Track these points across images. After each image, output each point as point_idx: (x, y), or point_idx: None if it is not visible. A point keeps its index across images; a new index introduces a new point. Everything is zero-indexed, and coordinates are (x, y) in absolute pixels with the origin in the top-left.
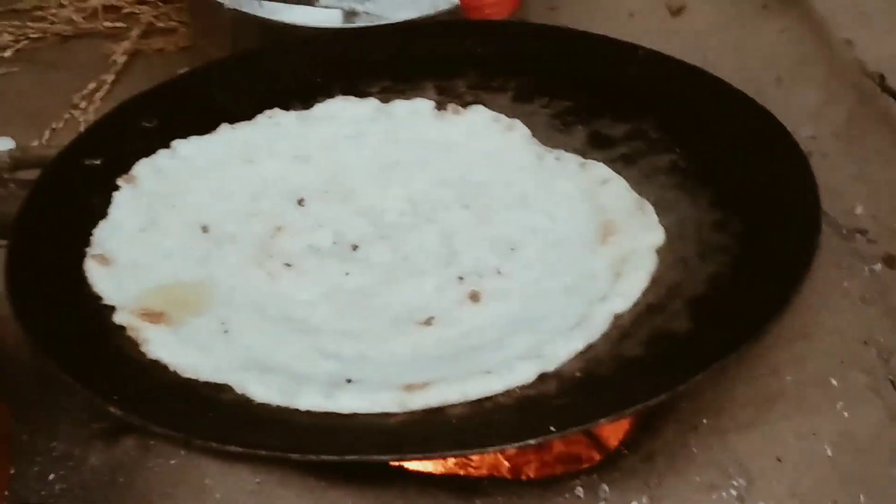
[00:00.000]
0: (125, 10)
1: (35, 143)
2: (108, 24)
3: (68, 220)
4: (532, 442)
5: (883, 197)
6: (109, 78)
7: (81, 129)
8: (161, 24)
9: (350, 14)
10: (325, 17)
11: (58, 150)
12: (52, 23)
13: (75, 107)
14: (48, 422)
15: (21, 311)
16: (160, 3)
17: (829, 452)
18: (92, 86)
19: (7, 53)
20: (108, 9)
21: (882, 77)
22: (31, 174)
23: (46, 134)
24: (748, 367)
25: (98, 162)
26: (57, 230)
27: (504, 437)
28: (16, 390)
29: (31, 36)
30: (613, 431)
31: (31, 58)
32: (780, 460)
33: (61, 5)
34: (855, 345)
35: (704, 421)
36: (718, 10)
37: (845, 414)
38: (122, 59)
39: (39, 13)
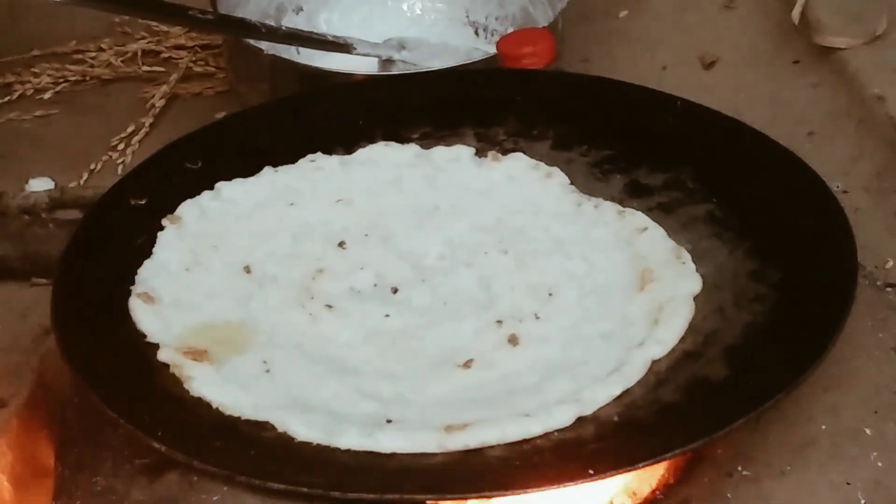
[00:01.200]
0: (164, 55)
1: (73, 185)
2: (146, 68)
3: (113, 258)
4: (570, 485)
5: None
6: (148, 121)
7: (119, 171)
8: (199, 69)
9: (387, 62)
10: (362, 65)
11: (95, 190)
12: (92, 66)
13: (113, 149)
14: (91, 457)
15: (67, 347)
16: (199, 49)
17: (863, 502)
18: (130, 129)
19: (47, 96)
20: (147, 53)
21: None
22: (69, 214)
23: (84, 175)
24: (783, 416)
25: (143, 202)
26: (102, 268)
27: (543, 480)
28: (58, 426)
29: (71, 79)
30: (649, 477)
31: (71, 100)
32: None
33: (101, 49)
34: (889, 395)
35: (739, 468)
36: (750, 63)
37: (879, 464)
38: (160, 103)
39: (79, 56)
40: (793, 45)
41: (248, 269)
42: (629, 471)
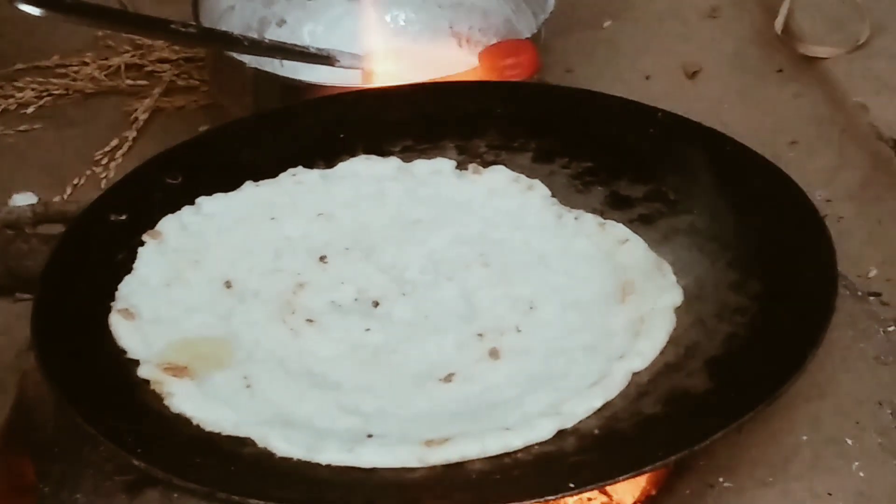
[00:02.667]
0: (147, 69)
1: (56, 199)
2: (130, 81)
3: (94, 274)
4: (551, 498)
5: None
6: (131, 135)
7: (102, 185)
8: (182, 83)
9: (370, 74)
10: (345, 77)
11: (79, 205)
12: (75, 80)
13: (97, 163)
14: (72, 474)
15: (47, 363)
16: (182, 62)
17: None
18: (114, 142)
19: (30, 110)
20: (131, 67)
21: None
22: (53, 229)
23: (68, 190)
24: (765, 427)
25: (123, 217)
26: (82, 284)
27: (523, 493)
28: (39, 443)
29: (54, 93)
30: (630, 489)
31: (54, 114)
32: None
33: (84, 63)
34: (870, 405)
35: (721, 479)
36: (734, 73)
37: (861, 474)
38: (143, 117)
39: (62, 70)
40: (776, 54)
41: (228, 284)
42: (610, 484)
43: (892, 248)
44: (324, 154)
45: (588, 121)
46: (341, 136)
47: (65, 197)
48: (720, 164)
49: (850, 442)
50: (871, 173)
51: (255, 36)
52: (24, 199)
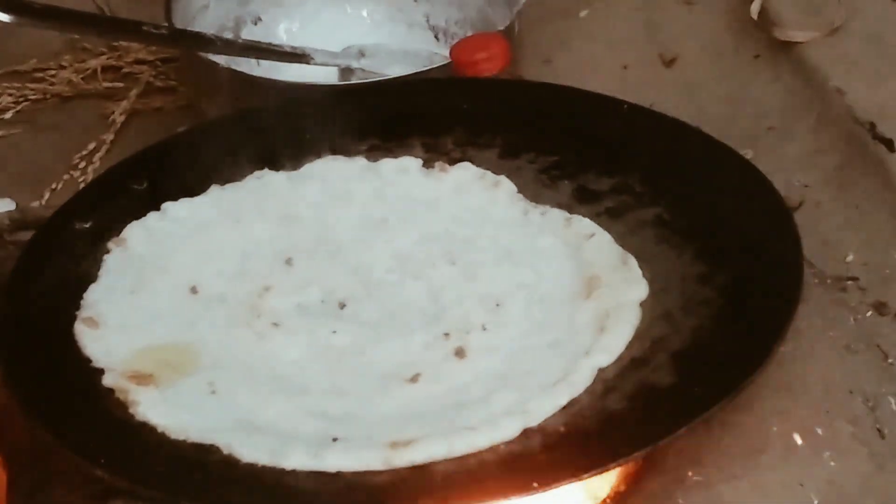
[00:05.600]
0: (124, 70)
1: (35, 205)
2: (107, 84)
3: (59, 283)
4: (514, 498)
5: (874, 244)
6: (109, 137)
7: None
8: (160, 84)
9: (346, 71)
10: (321, 75)
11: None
12: (52, 84)
13: (75, 167)
14: (43, 484)
15: (11, 374)
16: (159, 63)
17: (816, 502)
18: (91, 146)
19: (7, 116)
20: (108, 69)
21: (873, 125)
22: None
23: (46, 195)
24: (734, 419)
25: (88, 225)
26: (47, 293)
27: (487, 494)
28: (12, 452)
29: (31, 97)
30: (600, 485)
31: (31, 119)
32: None
33: (61, 66)
34: (841, 394)
35: (690, 473)
36: (711, 60)
37: (832, 464)
38: (120, 119)
39: (39, 75)
40: (752, 40)
41: (194, 290)
42: (574, 481)
43: (870, 233)
44: (290, 155)
45: (554, 115)
46: (307, 136)
47: (43, 202)
48: (686, 155)
49: (820, 431)
50: (849, 158)
51: (231, 35)
52: (1, 206)
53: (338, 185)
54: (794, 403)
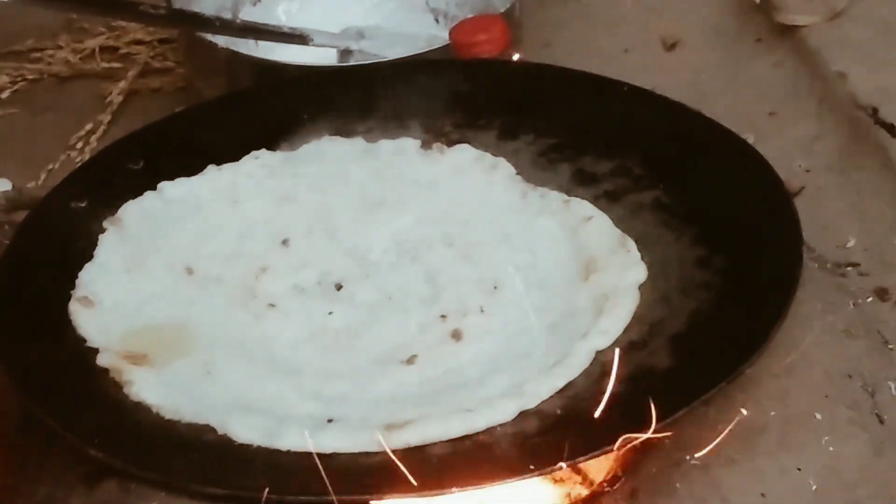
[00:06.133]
0: (122, 51)
1: (31, 185)
2: (104, 64)
3: (54, 262)
4: (510, 481)
5: (875, 229)
6: (106, 118)
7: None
8: (157, 64)
9: (345, 53)
10: (320, 57)
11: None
12: (49, 64)
13: (72, 148)
14: (36, 465)
15: (4, 353)
16: (157, 43)
17: (814, 487)
18: (88, 126)
19: (4, 95)
20: (105, 49)
21: (875, 110)
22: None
23: (43, 175)
24: (731, 403)
25: (84, 204)
26: (42, 272)
27: (482, 477)
28: (6, 434)
29: (29, 77)
30: (597, 468)
31: (28, 99)
32: (764, 496)
33: (59, 47)
34: (839, 379)
35: (687, 457)
36: (712, 44)
37: (830, 449)
38: (118, 100)
39: (37, 55)
40: (755, 23)
41: (190, 270)
42: (571, 464)
43: (871, 218)
44: (287, 135)
45: (553, 97)
46: (305, 117)
47: (39, 183)
48: (687, 138)
49: (819, 416)
50: (851, 142)
51: (229, 15)
52: None
53: (335, 166)
54: (792, 388)
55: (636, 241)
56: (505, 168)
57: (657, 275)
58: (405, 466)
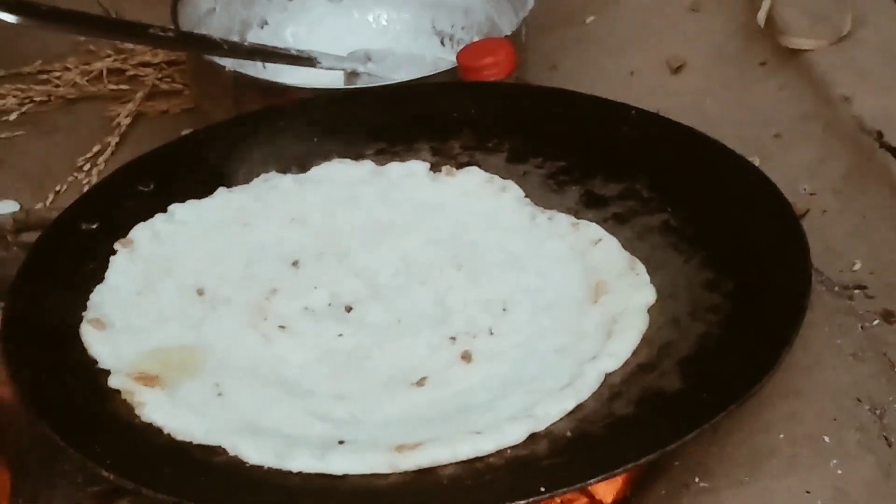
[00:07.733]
0: (130, 73)
1: (39, 206)
2: (112, 86)
3: (65, 284)
4: (522, 503)
5: (881, 253)
6: (113, 140)
7: (84, 192)
8: (165, 87)
9: (352, 75)
10: (327, 79)
11: (60, 212)
12: (57, 86)
13: (79, 169)
14: (46, 485)
15: (17, 374)
16: (164, 66)
17: None
18: (96, 148)
19: (12, 117)
20: (113, 71)
21: (880, 133)
22: (34, 237)
23: (50, 197)
24: (740, 426)
25: (95, 226)
26: (53, 294)
27: (494, 498)
28: (15, 455)
29: (36, 99)
30: (606, 490)
31: (36, 121)
32: None
33: (66, 68)
34: (848, 402)
35: (696, 479)
36: (718, 67)
37: (839, 472)
38: (126, 122)
39: (44, 76)
40: (759, 47)
41: (200, 292)
42: (581, 487)
43: (877, 241)
44: (297, 158)
45: (562, 120)
46: (315, 140)
47: (47, 204)
48: (694, 161)
49: (827, 439)
50: (856, 166)
51: (237, 38)
52: (6, 207)
53: (345, 189)
54: (801, 411)
55: (645, 264)
56: (514, 191)
57: (666, 297)
58: (415, 488)
